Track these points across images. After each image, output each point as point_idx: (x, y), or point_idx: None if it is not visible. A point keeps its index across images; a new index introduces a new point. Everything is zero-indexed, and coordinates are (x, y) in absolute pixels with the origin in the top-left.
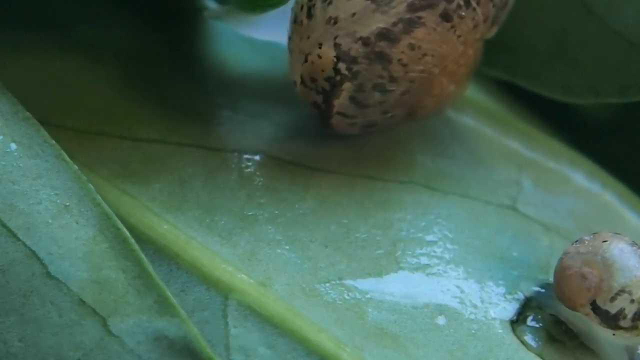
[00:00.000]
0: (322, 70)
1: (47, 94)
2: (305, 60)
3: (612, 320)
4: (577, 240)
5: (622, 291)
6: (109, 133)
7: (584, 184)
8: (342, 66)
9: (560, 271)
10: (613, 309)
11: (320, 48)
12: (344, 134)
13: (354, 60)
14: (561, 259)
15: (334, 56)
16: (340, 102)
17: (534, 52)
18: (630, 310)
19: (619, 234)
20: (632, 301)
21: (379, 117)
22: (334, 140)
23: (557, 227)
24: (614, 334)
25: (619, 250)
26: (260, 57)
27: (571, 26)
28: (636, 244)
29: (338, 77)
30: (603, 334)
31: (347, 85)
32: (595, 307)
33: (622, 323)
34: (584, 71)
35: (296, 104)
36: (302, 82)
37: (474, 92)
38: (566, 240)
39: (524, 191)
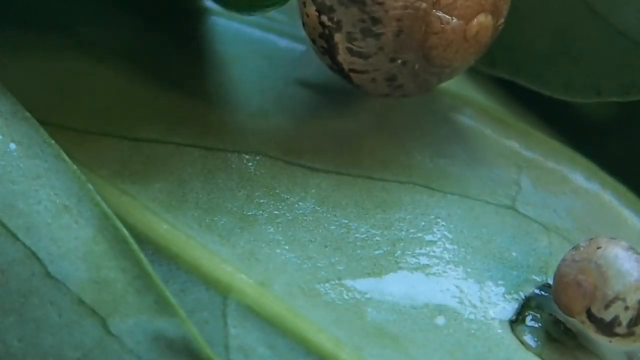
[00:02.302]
0: (314, 28)
1: (47, 94)
2: (303, 24)
3: (607, 328)
4: (574, 247)
5: (616, 298)
6: (109, 133)
7: (583, 184)
8: (324, 19)
9: (557, 279)
10: (608, 316)
11: (305, 7)
12: (378, 95)
13: (331, 9)
14: (559, 266)
15: (315, 10)
16: (343, 57)
17: (535, 51)
18: (625, 317)
19: (614, 238)
20: (627, 308)
21: (390, 66)
22: (334, 140)
23: (556, 227)
24: (610, 342)
25: (613, 256)
26: (260, 57)
27: (573, 25)
28: (632, 248)
29: (326, 31)
30: (601, 340)
31: (338, 37)
32: (590, 315)
33: (618, 330)
34: (586, 70)
35: (296, 104)
36: (313, 48)
37: (473, 92)
38: (565, 240)
39: (523, 191)
